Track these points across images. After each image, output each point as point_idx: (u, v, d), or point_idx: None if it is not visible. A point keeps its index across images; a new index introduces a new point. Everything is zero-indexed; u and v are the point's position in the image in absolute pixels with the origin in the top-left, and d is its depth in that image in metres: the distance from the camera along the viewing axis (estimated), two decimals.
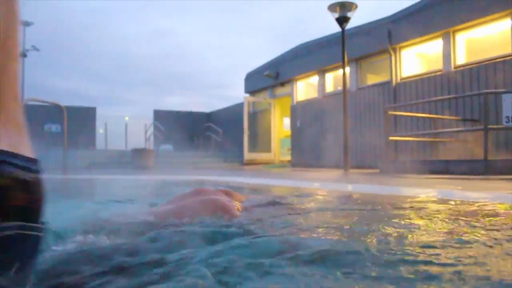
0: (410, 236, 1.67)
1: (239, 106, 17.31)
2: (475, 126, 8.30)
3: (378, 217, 2.40)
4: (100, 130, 21.79)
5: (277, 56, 15.90)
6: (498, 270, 1.15)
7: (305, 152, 13.81)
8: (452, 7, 9.27)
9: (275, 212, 2.30)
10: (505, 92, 6.62)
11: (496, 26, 8.78)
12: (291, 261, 1.20)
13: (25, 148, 0.77)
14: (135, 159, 13.80)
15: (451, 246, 1.42)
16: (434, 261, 1.25)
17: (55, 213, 2.55)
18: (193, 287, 1.04)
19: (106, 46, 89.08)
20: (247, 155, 15.83)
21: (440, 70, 9.63)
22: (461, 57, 9.39)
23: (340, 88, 12.16)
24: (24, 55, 23.12)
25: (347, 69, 10.16)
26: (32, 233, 0.73)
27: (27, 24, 23.05)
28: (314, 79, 13.94)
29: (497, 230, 1.71)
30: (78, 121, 17.90)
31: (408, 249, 1.40)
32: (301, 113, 14.28)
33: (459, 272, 1.11)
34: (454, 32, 9.37)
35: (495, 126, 7.03)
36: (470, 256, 1.30)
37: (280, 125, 17.25)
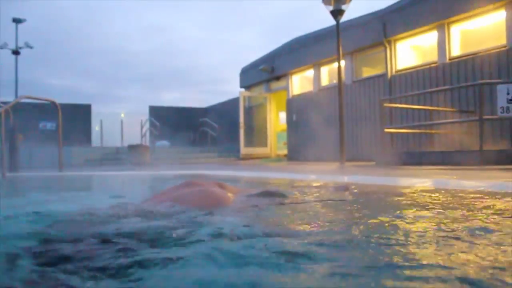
0: (401, 226, 1.67)
1: (235, 101, 17.27)
2: (470, 117, 8.31)
3: (372, 207, 2.40)
4: (95, 127, 21.71)
5: (272, 50, 15.86)
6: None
7: (301, 145, 13.81)
8: None
9: (268, 203, 2.29)
10: (500, 83, 6.63)
11: (490, 17, 8.77)
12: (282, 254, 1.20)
13: None
14: (131, 155, 13.76)
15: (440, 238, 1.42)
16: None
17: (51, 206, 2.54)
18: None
19: (101, 42, 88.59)
20: (244, 150, 15.82)
21: (435, 62, 9.62)
22: (456, 49, 9.39)
23: (335, 81, 12.15)
24: (17, 52, 22.99)
25: (342, 62, 10.14)
26: None
27: (19, 21, 22.91)
28: (310, 72, 13.92)
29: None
30: (73, 118, 17.82)
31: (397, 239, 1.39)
32: (297, 107, 14.27)
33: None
34: (448, 23, 9.35)
35: (490, 117, 7.04)
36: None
37: (276, 119, 17.23)
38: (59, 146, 8.99)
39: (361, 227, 1.56)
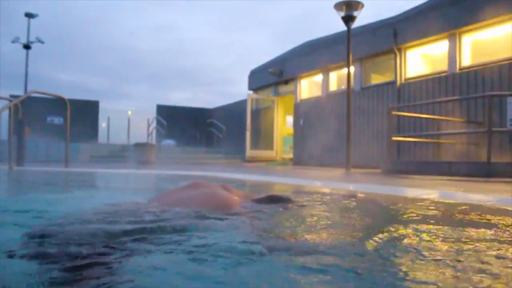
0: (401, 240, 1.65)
1: (242, 103, 17.28)
2: (479, 128, 8.26)
3: (382, 218, 2.38)
4: (102, 124, 21.79)
5: (282, 53, 15.86)
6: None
7: (308, 150, 13.79)
8: (458, 8, 9.22)
9: (274, 208, 2.27)
10: (510, 95, 6.58)
11: (502, 28, 8.72)
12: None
13: None
14: (137, 153, 13.79)
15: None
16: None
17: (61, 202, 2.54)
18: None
19: (110, 40, 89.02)
20: (249, 152, 15.82)
21: (445, 71, 9.58)
22: (466, 59, 9.34)
23: (344, 87, 12.12)
24: (28, 47, 23.14)
25: (352, 69, 10.11)
26: None
27: (32, 16, 23.07)
28: (318, 77, 13.90)
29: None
30: (81, 114, 17.91)
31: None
32: (304, 111, 14.25)
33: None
34: (460, 33, 9.31)
35: (499, 129, 6.99)
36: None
37: (283, 123, 17.22)
38: (66, 142, 9.03)
39: (375, 239, 1.54)
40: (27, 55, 23.11)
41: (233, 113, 19.65)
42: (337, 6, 9.29)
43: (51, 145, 14.57)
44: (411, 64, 10.65)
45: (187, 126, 21.99)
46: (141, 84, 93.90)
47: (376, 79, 12.02)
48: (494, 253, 1.36)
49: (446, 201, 2.93)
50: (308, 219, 2.05)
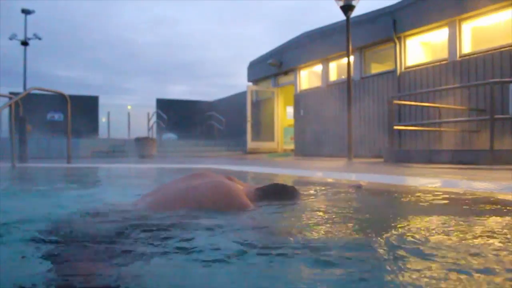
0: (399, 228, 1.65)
1: (242, 95, 17.24)
2: (480, 115, 8.24)
3: (391, 209, 2.37)
4: (102, 118, 21.77)
5: (281, 44, 15.78)
6: None
7: (309, 141, 13.78)
8: None
9: (280, 201, 2.23)
10: None
11: (502, 15, 8.66)
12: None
13: None
14: (138, 148, 13.80)
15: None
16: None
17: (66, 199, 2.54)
18: None
19: (108, 34, 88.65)
20: (250, 144, 15.81)
21: (445, 59, 9.54)
22: (467, 46, 9.30)
23: (343, 77, 12.08)
24: (26, 43, 23.04)
25: (351, 58, 10.06)
26: None
27: (29, 12, 22.94)
28: (318, 68, 13.85)
29: None
30: (81, 110, 17.86)
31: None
32: (304, 102, 14.22)
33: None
34: (460, 20, 9.26)
35: (502, 116, 6.97)
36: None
37: (283, 114, 17.20)
38: (68, 138, 9.03)
39: (387, 236, 1.52)
40: (25, 51, 23.04)
41: (233, 105, 19.61)
42: None
43: (52, 142, 14.56)
44: (411, 53, 10.60)
45: (188, 119, 21.97)
46: (140, 78, 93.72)
47: (376, 68, 11.98)
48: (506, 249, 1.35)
49: (454, 190, 2.92)
50: (316, 214, 2.04)
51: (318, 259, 1.16)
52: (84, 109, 19.45)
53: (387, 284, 0.99)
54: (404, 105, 9.61)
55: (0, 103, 10.03)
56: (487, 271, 1.06)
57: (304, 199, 2.39)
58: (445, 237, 1.45)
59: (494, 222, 1.74)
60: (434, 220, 1.76)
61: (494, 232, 1.51)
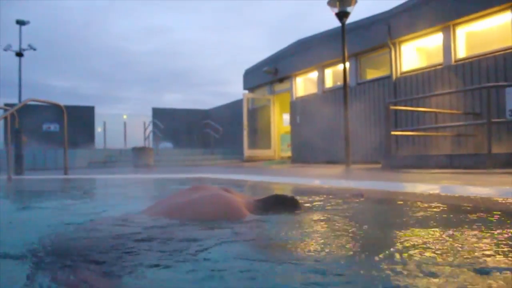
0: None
1: (238, 103, 17.24)
2: (476, 119, 8.25)
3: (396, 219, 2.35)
4: (98, 128, 21.73)
5: (276, 52, 15.82)
6: None
7: (305, 148, 13.77)
8: (451, 0, 9.22)
9: (281, 213, 2.21)
10: (509, 86, 6.58)
11: (496, 19, 8.72)
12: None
13: None
14: (135, 157, 13.74)
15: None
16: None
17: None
18: None
19: (103, 44, 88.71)
20: (247, 152, 15.78)
21: (440, 64, 9.58)
22: (461, 51, 9.34)
23: (339, 83, 12.10)
24: (20, 54, 23.01)
25: (347, 64, 10.09)
26: None
27: (23, 23, 22.94)
28: (314, 74, 13.88)
29: None
30: (77, 120, 17.79)
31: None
32: (300, 109, 14.23)
33: None
34: (454, 25, 9.31)
35: (498, 120, 6.98)
36: None
37: (280, 121, 17.19)
38: (65, 149, 8.97)
39: (391, 251, 1.49)
40: (20, 62, 23.01)
41: (229, 113, 19.61)
42: (331, 3, 9.28)
43: (48, 153, 14.50)
44: (406, 58, 10.64)
45: (184, 128, 21.95)
46: (135, 87, 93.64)
47: (372, 74, 12.01)
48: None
49: (455, 195, 2.90)
50: (317, 226, 2.02)
51: (312, 276, 1.15)
52: (80, 119, 19.39)
53: None
54: (401, 110, 9.62)
55: None
56: None
57: (305, 210, 2.36)
58: (448, 251, 1.43)
59: (499, 232, 1.71)
60: (437, 233, 1.74)
61: (499, 245, 1.49)
